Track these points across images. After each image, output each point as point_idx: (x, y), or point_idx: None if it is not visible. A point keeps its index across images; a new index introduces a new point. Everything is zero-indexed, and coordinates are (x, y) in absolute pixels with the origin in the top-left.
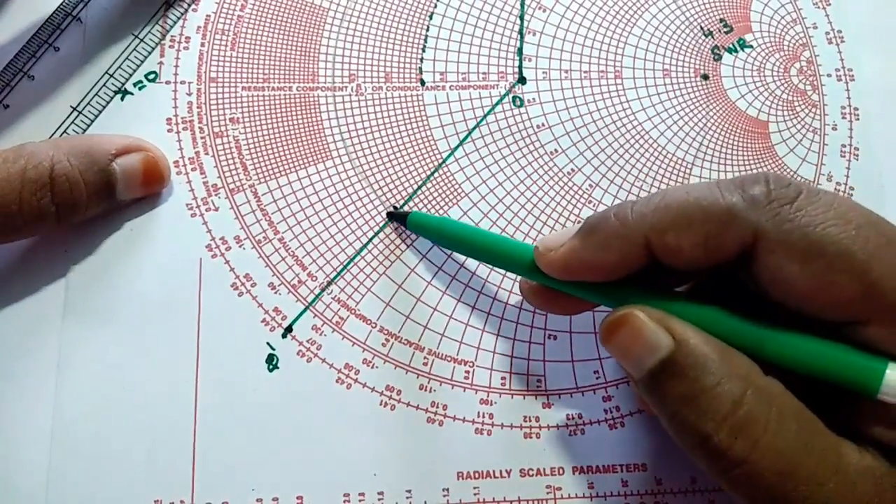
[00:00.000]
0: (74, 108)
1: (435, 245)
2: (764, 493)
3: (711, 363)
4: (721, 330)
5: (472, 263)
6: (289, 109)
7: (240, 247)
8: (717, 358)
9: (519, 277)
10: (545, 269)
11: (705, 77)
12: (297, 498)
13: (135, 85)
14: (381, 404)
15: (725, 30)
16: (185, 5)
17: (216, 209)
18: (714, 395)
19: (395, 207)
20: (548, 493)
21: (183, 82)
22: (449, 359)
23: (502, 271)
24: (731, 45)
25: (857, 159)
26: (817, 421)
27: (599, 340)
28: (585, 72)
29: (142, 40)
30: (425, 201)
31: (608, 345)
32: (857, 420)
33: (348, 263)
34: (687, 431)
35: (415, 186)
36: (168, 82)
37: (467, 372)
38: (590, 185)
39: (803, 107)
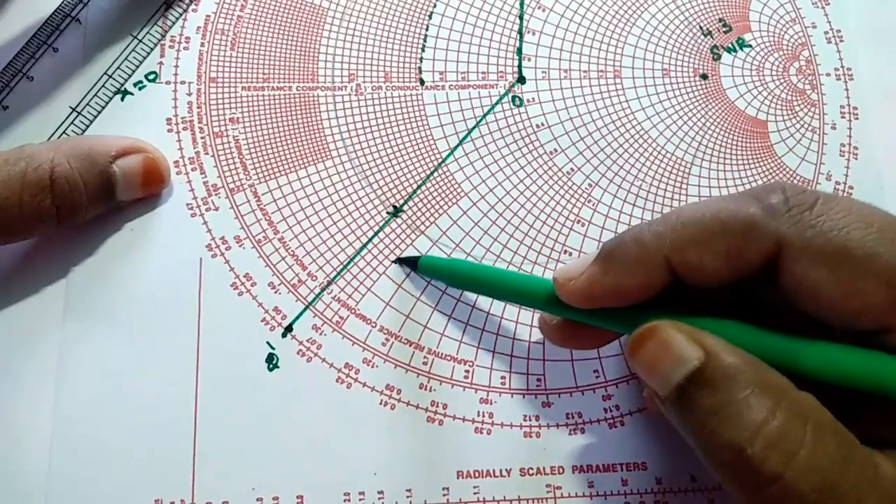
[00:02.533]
0: (74, 109)
1: (448, 287)
2: None
3: (742, 374)
4: (751, 344)
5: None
6: (288, 109)
7: (240, 246)
8: (748, 369)
9: (536, 317)
10: (567, 300)
11: (704, 76)
12: (298, 497)
13: (135, 85)
14: (381, 404)
15: (724, 29)
16: (185, 5)
17: (216, 209)
18: (746, 405)
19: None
20: (548, 492)
21: (183, 82)
22: (449, 358)
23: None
24: (730, 45)
25: (857, 158)
26: (850, 434)
27: (626, 356)
28: (585, 71)
29: (141, 41)
30: (425, 201)
31: (634, 359)
32: (885, 429)
33: (348, 263)
34: (717, 445)
35: (414, 186)
36: (168, 82)
37: (467, 371)
38: (589, 185)
39: (802, 106)
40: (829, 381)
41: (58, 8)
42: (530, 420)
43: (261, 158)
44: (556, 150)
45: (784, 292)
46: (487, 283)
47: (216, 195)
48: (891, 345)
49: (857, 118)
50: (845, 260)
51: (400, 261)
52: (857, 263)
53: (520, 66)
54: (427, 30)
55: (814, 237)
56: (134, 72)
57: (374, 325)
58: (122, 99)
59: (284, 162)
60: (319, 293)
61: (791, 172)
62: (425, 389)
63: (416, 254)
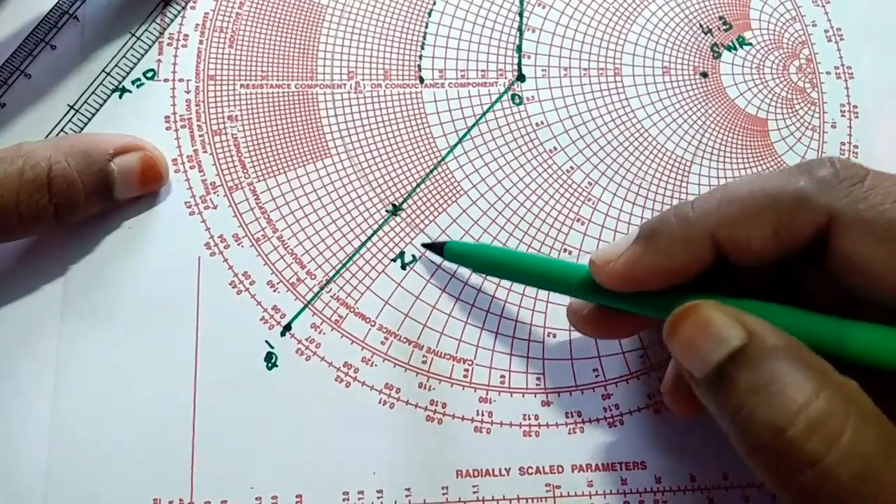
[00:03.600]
0: (72, 107)
1: (476, 273)
2: (839, 500)
3: (785, 354)
4: (794, 327)
5: None
6: (287, 107)
7: (238, 245)
8: (790, 353)
9: (566, 306)
10: (606, 283)
11: (704, 75)
12: (297, 496)
13: (133, 83)
14: (380, 402)
15: (725, 27)
16: (183, 3)
17: (215, 207)
18: (788, 384)
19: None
20: (547, 491)
21: (181, 80)
22: (448, 357)
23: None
24: (730, 43)
25: (857, 157)
26: (892, 424)
27: (664, 337)
28: (585, 69)
29: (139, 38)
30: (424, 199)
31: (672, 339)
32: None
33: (347, 261)
34: (756, 425)
35: (414, 184)
36: (166, 80)
37: (466, 370)
38: (589, 183)
39: (802, 104)
40: (875, 365)
41: (56, 5)
42: (529, 419)
43: (259, 156)
44: (555, 148)
45: (832, 269)
46: (517, 269)
47: (215, 193)
48: None
49: (857, 117)
50: None
51: (426, 246)
52: None
53: (519, 64)
54: (427, 27)
55: (865, 210)
56: (132, 69)
57: (373, 323)
58: (121, 97)
59: (283, 160)
60: (318, 292)
61: None
62: (424, 388)
63: (443, 239)
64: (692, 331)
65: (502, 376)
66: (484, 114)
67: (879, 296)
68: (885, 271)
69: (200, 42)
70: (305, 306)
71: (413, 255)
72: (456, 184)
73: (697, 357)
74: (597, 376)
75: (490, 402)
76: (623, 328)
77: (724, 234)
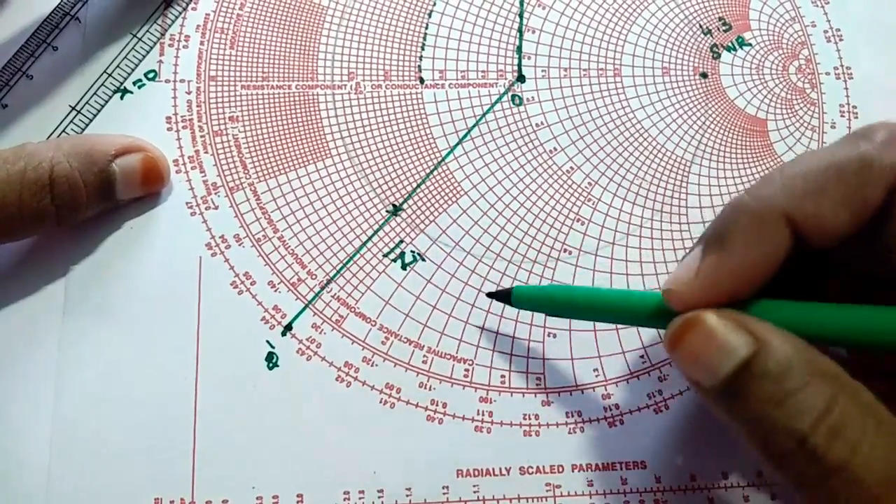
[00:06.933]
0: (73, 108)
1: (548, 315)
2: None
3: (798, 363)
4: (807, 323)
5: (471, 261)
6: (288, 108)
7: (239, 245)
8: (803, 359)
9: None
10: (688, 305)
11: (704, 75)
12: (298, 496)
13: (134, 84)
14: (380, 402)
15: (724, 28)
16: (184, 4)
17: (216, 208)
18: (805, 394)
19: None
20: (547, 490)
21: (182, 81)
22: (448, 357)
23: (500, 271)
24: (729, 44)
25: None
26: None
27: (665, 349)
28: (585, 70)
29: (141, 39)
30: (424, 199)
31: (674, 352)
32: None
33: (348, 261)
34: (778, 435)
35: (414, 184)
36: (167, 81)
37: (467, 370)
38: (589, 184)
39: (802, 105)
40: (892, 352)
41: (57, 6)
42: (530, 419)
43: (260, 157)
44: (555, 148)
45: (892, 237)
46: (594, 308)
47: (216, 194)
48: None
49: (856, 117)
50: None
51: (490, 295)
52: None
53: (519, 65)
54: (427, 28)
55: None
56: (133, 70)
57: (373, 323)
58: (122, 97)
59: (284, 160)
60: (319, 292)
61: None
62: (425, 388)
63: (507, 286)
64: (695, 343)
65: (503, 376)
66: (484, 114)
67: None
68: None
69: (201, 43)
70: (306, 306)
71: (413, 255)
72: (456, 184)
73: (704, 369)
74: (597, 376)
75: (490, 402)
76: None
77: (797, 212)
